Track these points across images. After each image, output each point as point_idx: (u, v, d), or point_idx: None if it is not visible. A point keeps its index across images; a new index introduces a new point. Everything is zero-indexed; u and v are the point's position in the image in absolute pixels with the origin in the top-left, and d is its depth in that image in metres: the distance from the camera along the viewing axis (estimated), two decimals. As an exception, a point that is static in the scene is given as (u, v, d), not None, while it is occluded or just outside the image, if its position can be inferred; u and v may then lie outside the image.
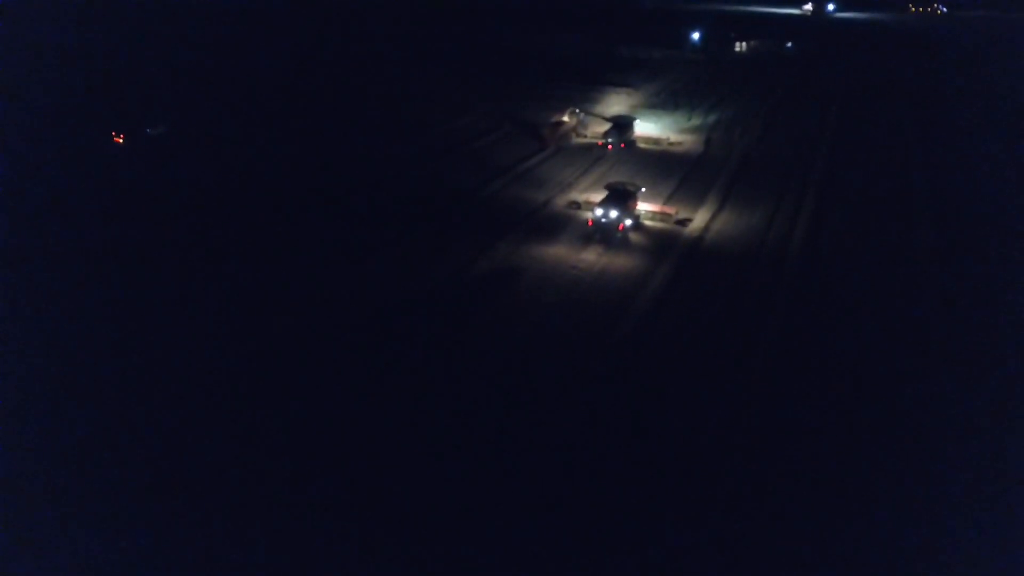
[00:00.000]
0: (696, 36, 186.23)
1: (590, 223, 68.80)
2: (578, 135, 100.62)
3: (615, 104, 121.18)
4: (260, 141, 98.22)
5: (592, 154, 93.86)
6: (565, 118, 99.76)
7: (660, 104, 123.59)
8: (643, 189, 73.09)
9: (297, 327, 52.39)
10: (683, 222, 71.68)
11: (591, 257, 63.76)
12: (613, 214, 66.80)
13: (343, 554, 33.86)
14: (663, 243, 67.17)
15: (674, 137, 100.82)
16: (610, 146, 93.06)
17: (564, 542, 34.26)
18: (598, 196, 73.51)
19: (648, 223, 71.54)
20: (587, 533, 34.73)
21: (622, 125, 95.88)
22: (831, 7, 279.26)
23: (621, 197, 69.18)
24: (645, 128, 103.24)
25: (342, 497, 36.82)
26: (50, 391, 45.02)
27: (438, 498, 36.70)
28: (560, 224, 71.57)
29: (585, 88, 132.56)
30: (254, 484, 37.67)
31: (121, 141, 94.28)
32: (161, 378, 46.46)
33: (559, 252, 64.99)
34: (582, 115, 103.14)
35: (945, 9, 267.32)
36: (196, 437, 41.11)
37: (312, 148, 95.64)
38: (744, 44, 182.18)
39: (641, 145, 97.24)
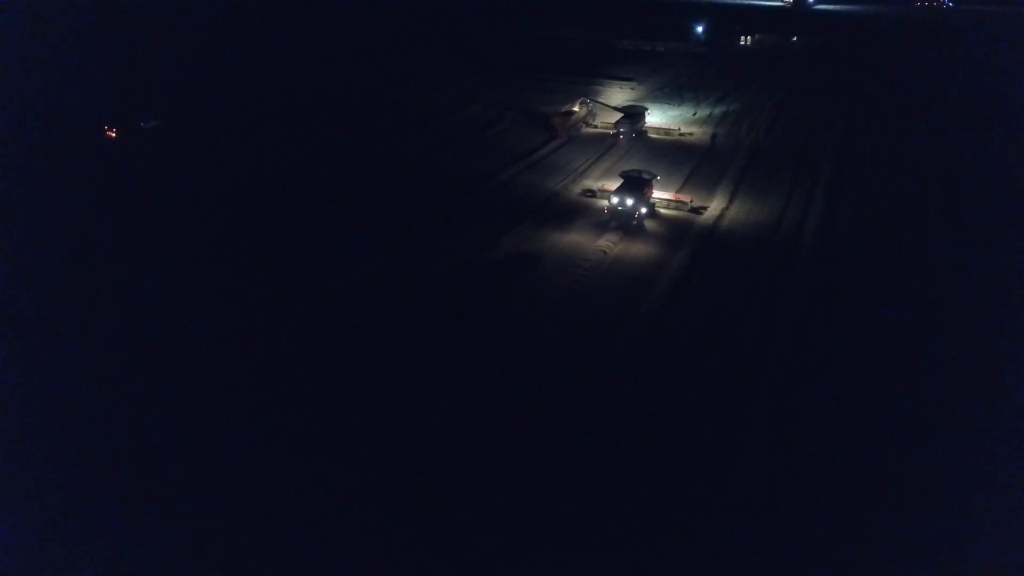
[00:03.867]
0: (699, 29, 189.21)
1: (606, 211, 71.29)
2: (588, 125, 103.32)
3: (618, 98, 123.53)
4: (261, 133, 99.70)
5: (603, 143, 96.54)
6: (575, 108, 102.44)
7: (665, 98, 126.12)
8: (658, 177, 75.55)
9: (310, 316, 53.83)
10: (698, 210, 74.20)
11: (608, 244, 66.03)
12: (629, 202, 69.08)
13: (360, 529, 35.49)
14: (679, 230, 69.61)
15: (684, 128, 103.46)
16: (622, 136, 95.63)
17: (578, 530, 35.72)
18: (612, 184, 75.80)
19: (663, 211, 74.05)
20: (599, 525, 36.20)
21: (633, 115, 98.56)
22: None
23: (636, 185, 71.50)
24: (654, 119, 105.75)
25: (357, 480, 38.29)
26: (46, 384, 45.86)
27: (450, 483, 38.22)
28: (575, 211, 73.95)
29: (589, 82, 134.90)
30: (266, 467, 39.16)
31: (114, 135, 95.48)
32: (178, 364, 48.12)
33: (576, 239, 67.28)
34: (592, 105, 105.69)
35: (951, 3, 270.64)
36: (214, 416, 43.22)
37: (316, 139, 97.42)
38: (748, 38, 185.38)
39: (652, 135, 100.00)
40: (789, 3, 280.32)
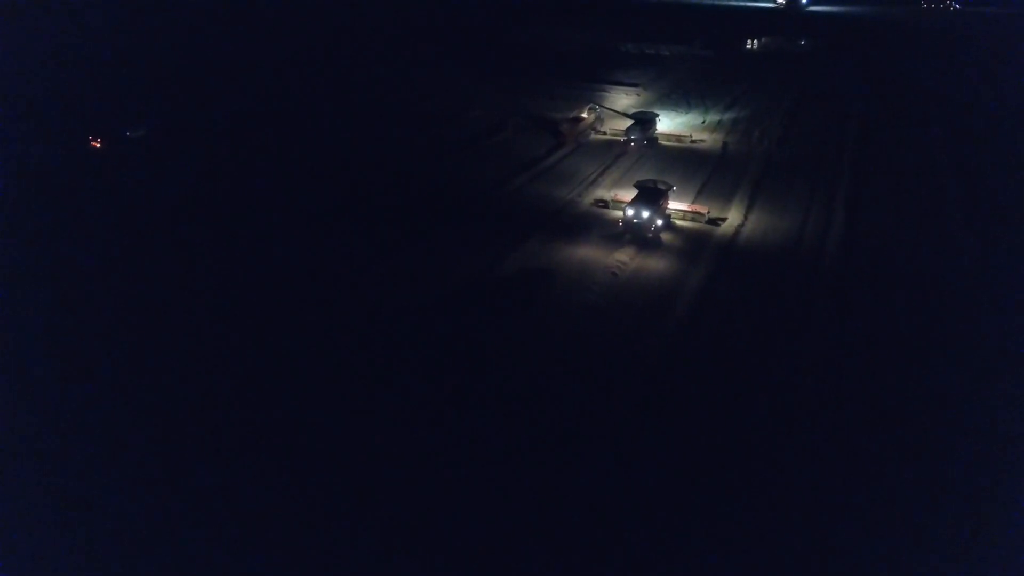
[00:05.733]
0: (704, 32, 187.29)
1: (620, 222, 68.87)
2: (596, 131, 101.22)
3: (623, 104, 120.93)
4: (255, 141, 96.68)
5: (613, 151, 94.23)
6: (584, 114, 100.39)
7: (672, 104, 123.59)
8: (674, 188, 73.18)
9: (312, 334, 51.56)
10: (715, 221, 71.87)
11: (624, 259, 63.53)
12: (645, 214, 66.58)
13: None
14: (697, 243, 67.14)
15: (696, 135, 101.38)
16: (632, 143, 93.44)
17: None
18: (625, 193, 73.64)
19: (679, 222, 71.72)
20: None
21: (644, 121, 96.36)
22: (804, 0, 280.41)
23: (652, 196, 69.08)
24: (663, 126, 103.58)
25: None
26: (35, 401, 44.47)
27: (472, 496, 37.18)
28: (588, 223, 71.45)
29: (592, 87, 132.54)
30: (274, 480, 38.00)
31: (99, 145, 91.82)
32: (167, 381, 46.22)
33: (590, 253, 64.74)
34: (600, 111, 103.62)
35: (958, 5, 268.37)
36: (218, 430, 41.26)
37: (313, 147, 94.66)
38: (754, 41, 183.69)
39: (663, 142, 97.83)
40: (781, 4, 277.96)
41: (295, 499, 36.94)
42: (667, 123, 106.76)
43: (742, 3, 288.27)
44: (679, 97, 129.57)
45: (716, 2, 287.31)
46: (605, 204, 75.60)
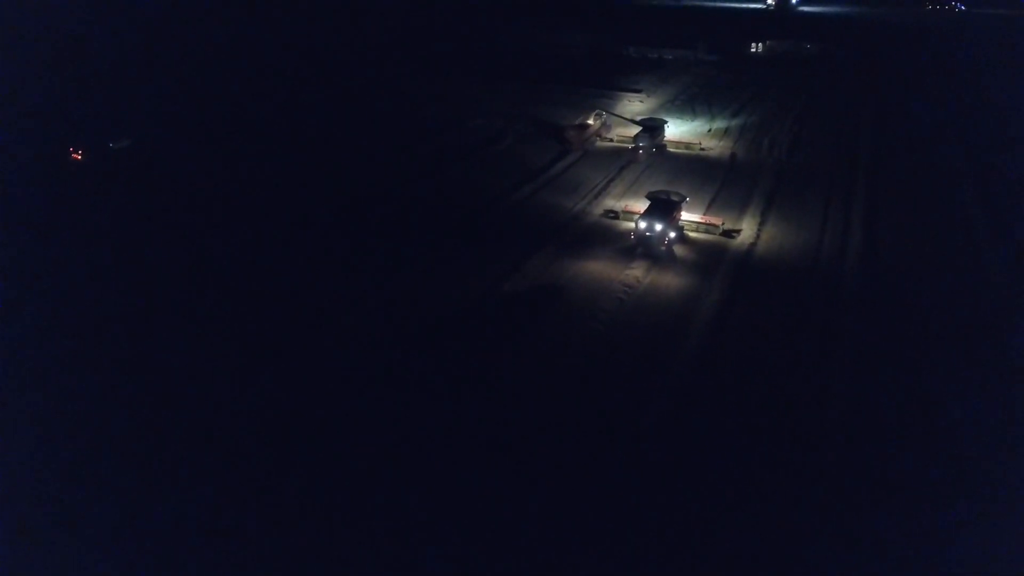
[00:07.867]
0: (707, 36, 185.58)
1: (631, 235, 66.37)
2: (602, 138, 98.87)
3: (627, 111, 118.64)
4: (246, 151, 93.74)
5: (621, 158, 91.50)
6: (590, 120, 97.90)
7: (677, 110, 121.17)
8: (687, 199, 70.64)
9: (301, 351, 49.13)
10: (729, 233, 69.42)
11: (637, 274, 60.84)
12: (658, 227, 63.95)
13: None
14: (712, 257, 64.43)
15: (704, 142, 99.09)
16: (641, 150, 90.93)
17: None
18: (636, 204, 71.09)
19: (692, 234, 69.26)
20: None
21: (653, 128, 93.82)
22: (794, 0, 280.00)
23: (665, 208, 66.47)
24: (670, 132, 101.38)
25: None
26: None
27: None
28: (598, 235, 68.79)
29: (595, 94, 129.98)
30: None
31: (80, 157, 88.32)
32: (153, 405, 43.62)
33: (601, 268, 62.01)
34: (606, 117, 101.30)
35: (963, 7, 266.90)
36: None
37: (308, 157, 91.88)
38: (759, 45, 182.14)
39: (672, 149, 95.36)
40: (771, 5, 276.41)
41: (291, 509, 36.36)
42: (673, 130, 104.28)
43: (730, 4, 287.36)
44: (684, 103, 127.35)
45: (704, 3, 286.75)
46: (615, 215, 73.08)
